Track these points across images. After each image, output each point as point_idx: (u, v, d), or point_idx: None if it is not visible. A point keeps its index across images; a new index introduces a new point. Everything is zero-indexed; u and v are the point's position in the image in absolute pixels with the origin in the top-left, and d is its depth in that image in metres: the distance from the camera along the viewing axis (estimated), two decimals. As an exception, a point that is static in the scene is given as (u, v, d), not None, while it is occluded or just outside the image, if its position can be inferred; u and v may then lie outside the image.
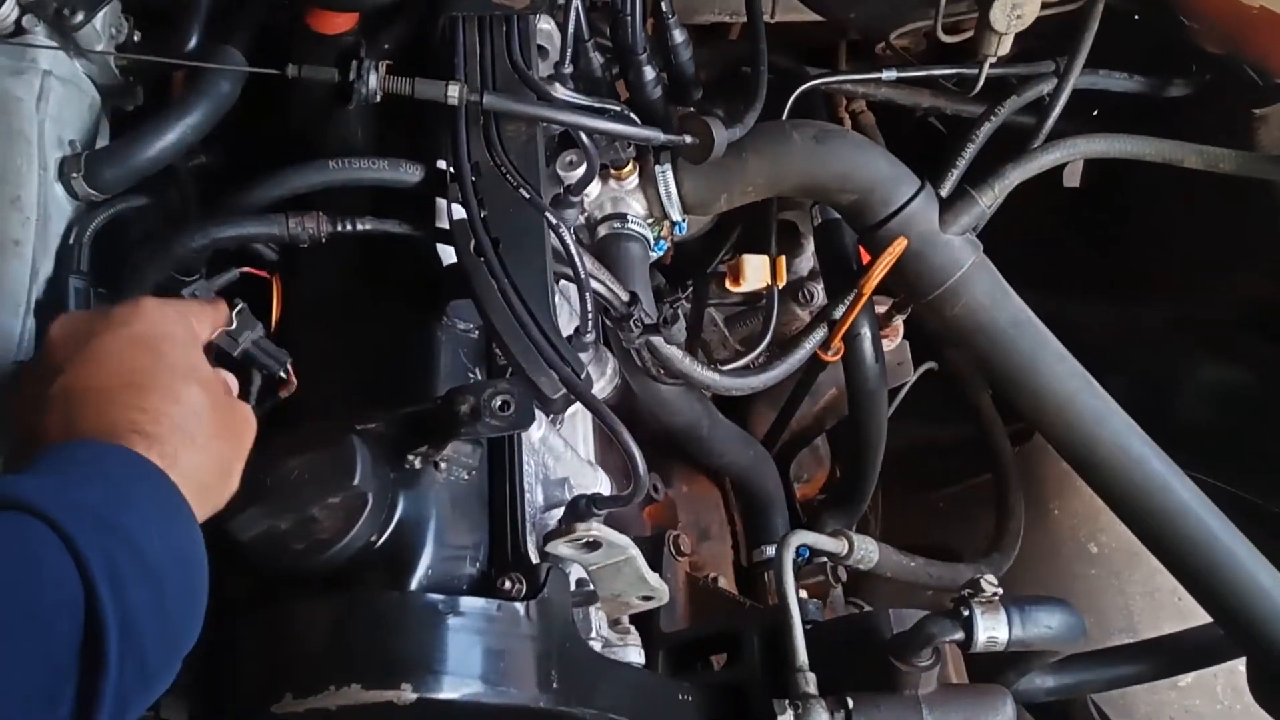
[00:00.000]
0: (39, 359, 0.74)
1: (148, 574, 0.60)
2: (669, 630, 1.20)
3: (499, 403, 0.86)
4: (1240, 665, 1.28)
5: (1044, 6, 1.32)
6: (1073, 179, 2.30)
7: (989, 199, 1.20)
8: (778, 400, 1.57)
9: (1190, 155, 1.22)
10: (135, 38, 1.08)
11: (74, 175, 0.95)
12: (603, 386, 1.25)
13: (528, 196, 0.95)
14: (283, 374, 0.91)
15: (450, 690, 0.78)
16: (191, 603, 0.66)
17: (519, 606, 0.85)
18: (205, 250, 0.94)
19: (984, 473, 1.89)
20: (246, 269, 1.02)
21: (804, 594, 1.28)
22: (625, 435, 0.88)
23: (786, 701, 0.98)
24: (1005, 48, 1.25)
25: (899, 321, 1.53)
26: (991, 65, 1.35)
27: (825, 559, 1.38)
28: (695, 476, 1.47)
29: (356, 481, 0.82)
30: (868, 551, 1.23)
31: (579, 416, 1.25)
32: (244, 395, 0.88)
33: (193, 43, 1.06)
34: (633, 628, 1.11)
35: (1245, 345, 1.64)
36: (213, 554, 0.75)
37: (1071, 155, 1.24)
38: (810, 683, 1.00)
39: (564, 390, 0.89)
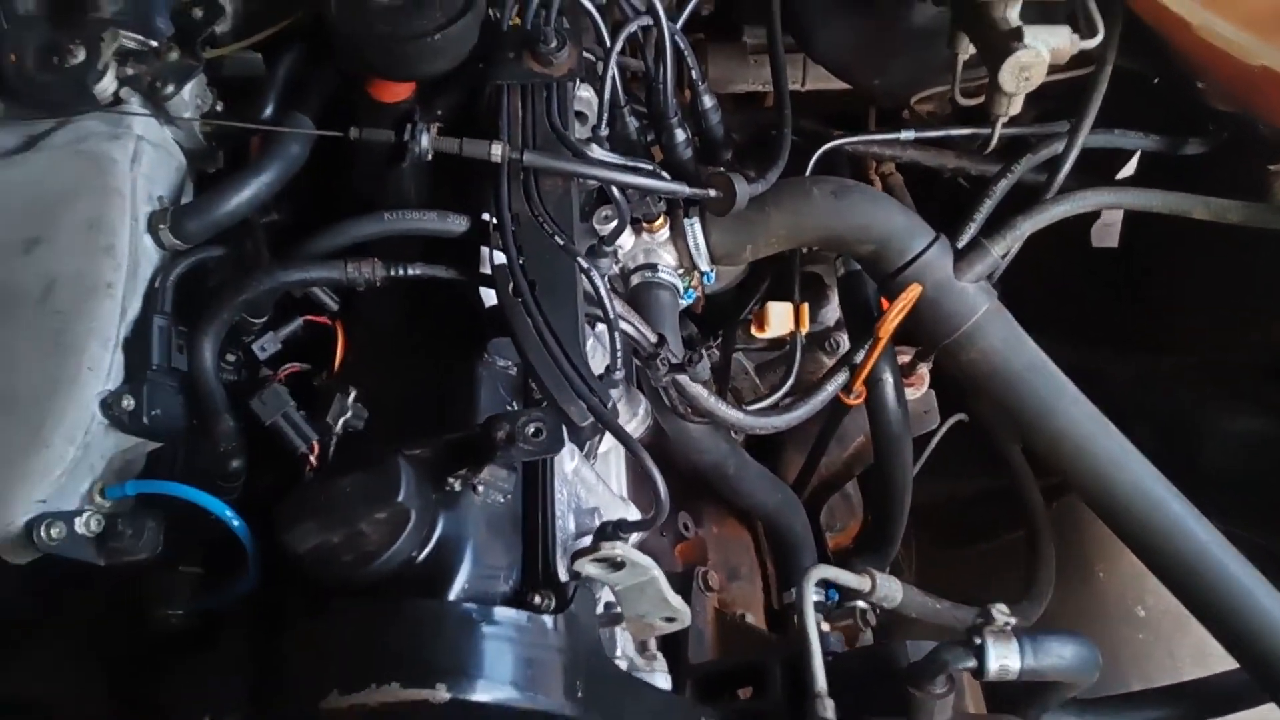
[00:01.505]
0: None
1: None
2: (697, 662, 1.26)
3: (532, 429, 0.94)
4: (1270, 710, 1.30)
5: (1057, 71, 1.40)
6: (1106, 240, 2.36)
7: (1001, 249, 1.27)
8: (806, 447, 1.63)
9: (1197, 207, 1.28)
10: (218, 107, 1.20)
11: (161, 227, 1.06)
12: (635, 426, 1.32)
13: (562, 244, 1.05)
14: (304, 449, 0.99)
15: (481, 693, 0.85)
16: None
17: (547, 619, 0.92)
18: (274, 293, 1.05)
19: (1018, 529, 1.92)
20: (310, 317, 1.13)
21: (827, 627, 1.34)
22: (646, 458, 0.95)
23: (805, 725, 1.03)
24: (1016, 108, 1.32)
25: (924, 370, 1.59)
26: (1006, 125, 1.43)
27: (856, 603, 1.44)
28: (726, 519, 1.53)
29: (401, 498, 0.90)
30: (890, 590, 1.28)
31: (612, 455, 1.32)
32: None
33: (268, 111, 1.18)
34: (660, 655, 1.18)
35: (1269, 394, 1.67)
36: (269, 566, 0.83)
37: (1080, 208, 1.30)
38: (829, 709, 1.05)
39: (591, 419, 0.97)
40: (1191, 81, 1.46)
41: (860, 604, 1.43)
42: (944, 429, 1.83)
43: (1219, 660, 2.40)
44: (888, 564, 1.61)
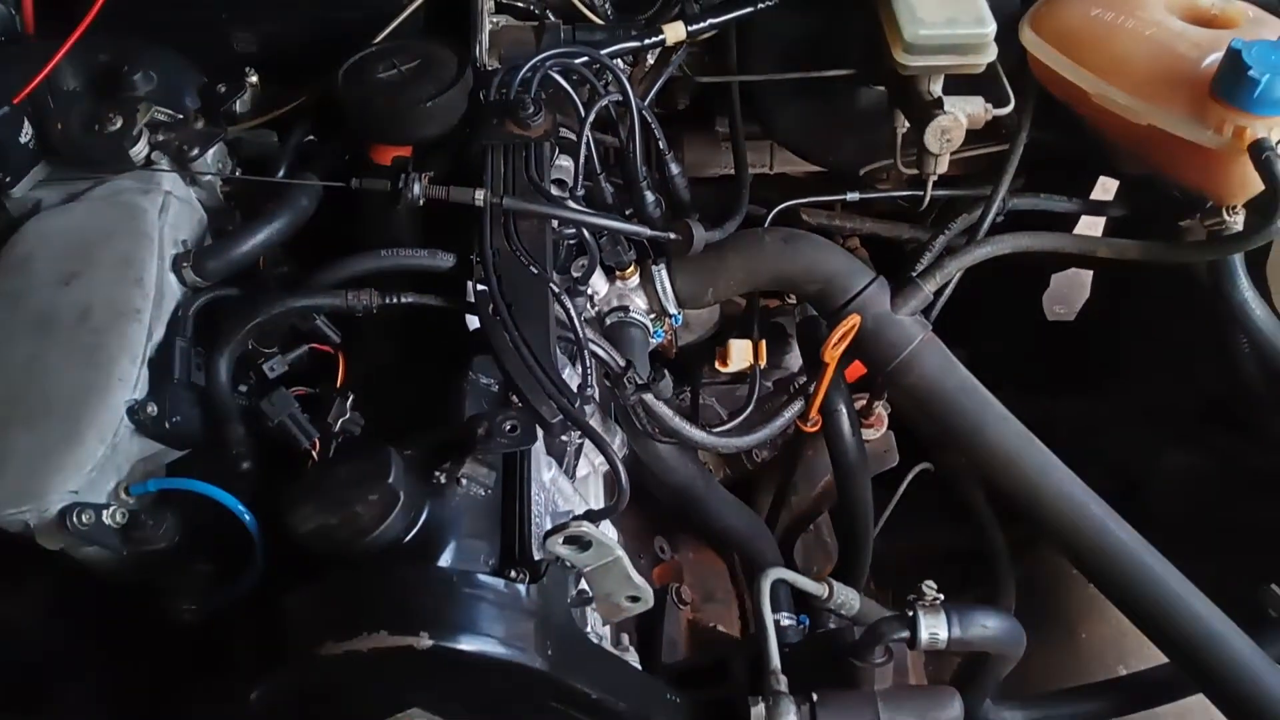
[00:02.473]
0: None
1: None
2: (668, 663, 1.35)
3: (509, 425, 1.08)
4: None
5: (981, 144, 1.58)
6: (1068, 309, 2.52)
7: (932, 285, 1.42)
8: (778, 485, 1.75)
9: (1101, 247, 1.44)
10: (237, 172, 1.37)
11: (185, 265, 1.21)
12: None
13: (536, 272, 1.20)
14: (307, 445, 1.13)
15: (460, 642, 0.96)
16: None
17: (521, 587, 1.03)
18: (283, 318, 1.19)
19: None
20: (314, 345, 1.27)
21: (784, 620, 1.44)
22: (609, 449, 1.08)
23: (760, 697, 1.13)
24: (942, 167, 1.48)
25: (881, 411, 1.72)
26: (945, 190, 1.60)
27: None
28: (703, 548, 1.64)
29: (391, 480, 1.02)
30: (848, 597, 1.38)
31: (590, 480, 1.45)
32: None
33: (280, 174, 1.35)
34: (632, 649, 1.28)
35: (1205, 434, 1.79)
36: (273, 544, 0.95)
37: (1000, 250, 1.45)
38: (782, 683, 1.15)
39: (560, 416, 1.10)
40: (1102, 150, 1.64)
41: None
42: (909, 478, 1.95)
43: (1199, 721, 2.44)
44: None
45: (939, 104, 1.43)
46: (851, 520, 1.62)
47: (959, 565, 2.34)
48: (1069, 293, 2.54)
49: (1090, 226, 1.91)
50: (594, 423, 1.32)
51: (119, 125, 1.25)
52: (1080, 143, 1.65)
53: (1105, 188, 1.91)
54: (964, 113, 1.42)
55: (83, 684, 1.32)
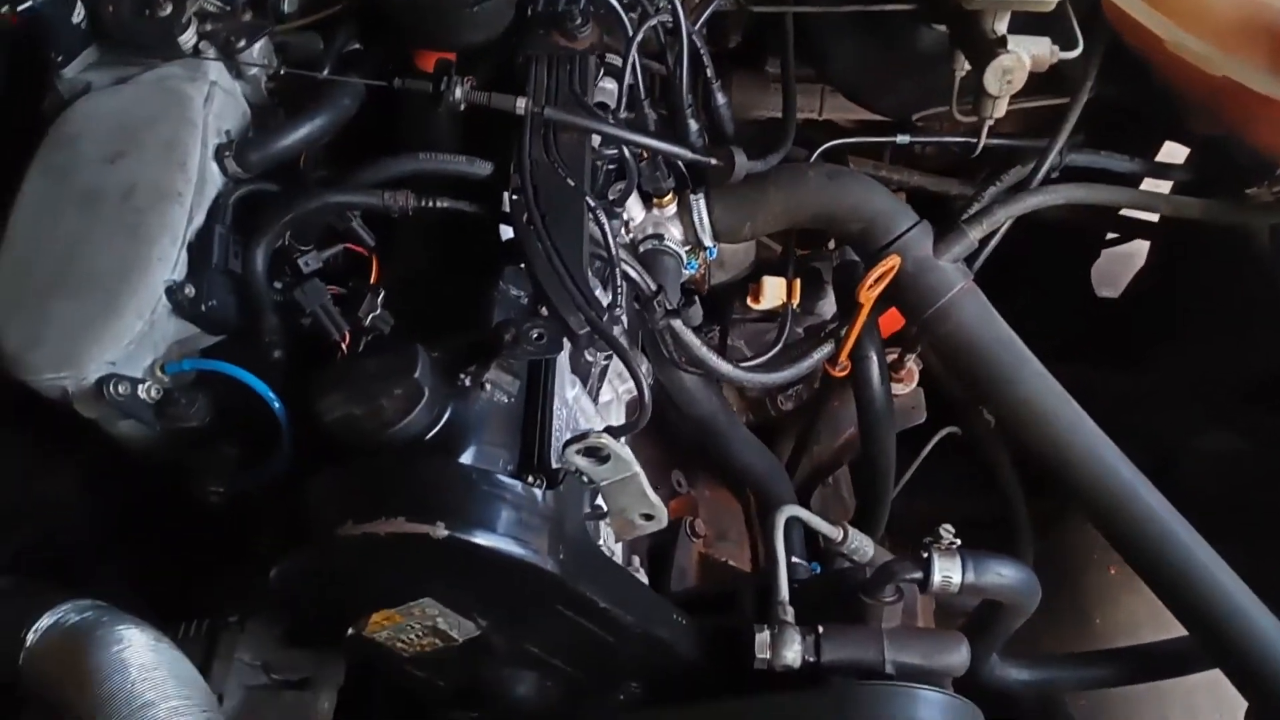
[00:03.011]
0: None
1: None
2: (676, 590, 1.36)
3: (535, 333, 1.08)
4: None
5: (1042, 96, 1.54)
6: (1114, 290, 2.48)
7: (978, 232, 1.39)
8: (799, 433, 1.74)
9: (1161, 204, 1.40)
10: (281, 70, 1.37)
11: (226, 155, 1.22)
12: (634, 386, 1.45)
13: (572, 184, 1.19)
14: (337, 336, 1.14)
15: (475, 535, 0.97)
16: None
17: (538, 491, 1.04)
18: (320, 213, 1.20)
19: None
20: (349, 245, 1.28)
21: (795, 560, 1.44)
22: (633, 361, 1.08)
23: (766, 626, 1.13)
24: (1000, 110, 1.44)
25: (912, 365, 1.70)
26: (999, 138, 1.56)
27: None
28: (720, 486, 1.64)
29: (417, 375, 1.03)
30: (862, 544, 1.36)
31: (613, 405, 1.45)
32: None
33: (321, 75, 1.35)
34: (642, 570, 1.28)
35: (1246, 416, 1.76)
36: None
37: (1052, 200, 1.42)
38: (788, 614, 1.15)
39: (588, 329, 1.10)
40: (1173, 107, 1.59)
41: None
42: (935, 441, 1.93)
43: (1208, 713, 2.44)
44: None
45: (1002, 43, 1.39)
46: (872, 471, 1.61)
47: (977, 533, 2.34)
48: (1118, 273, 2.49)
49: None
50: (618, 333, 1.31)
51: (169, 11, 1.25)
52: (1147, 99, 1.60)
53: (1170, 156, 1.87)
54: (1028, 53, 1.38)
55: (112, 562, 1.36)
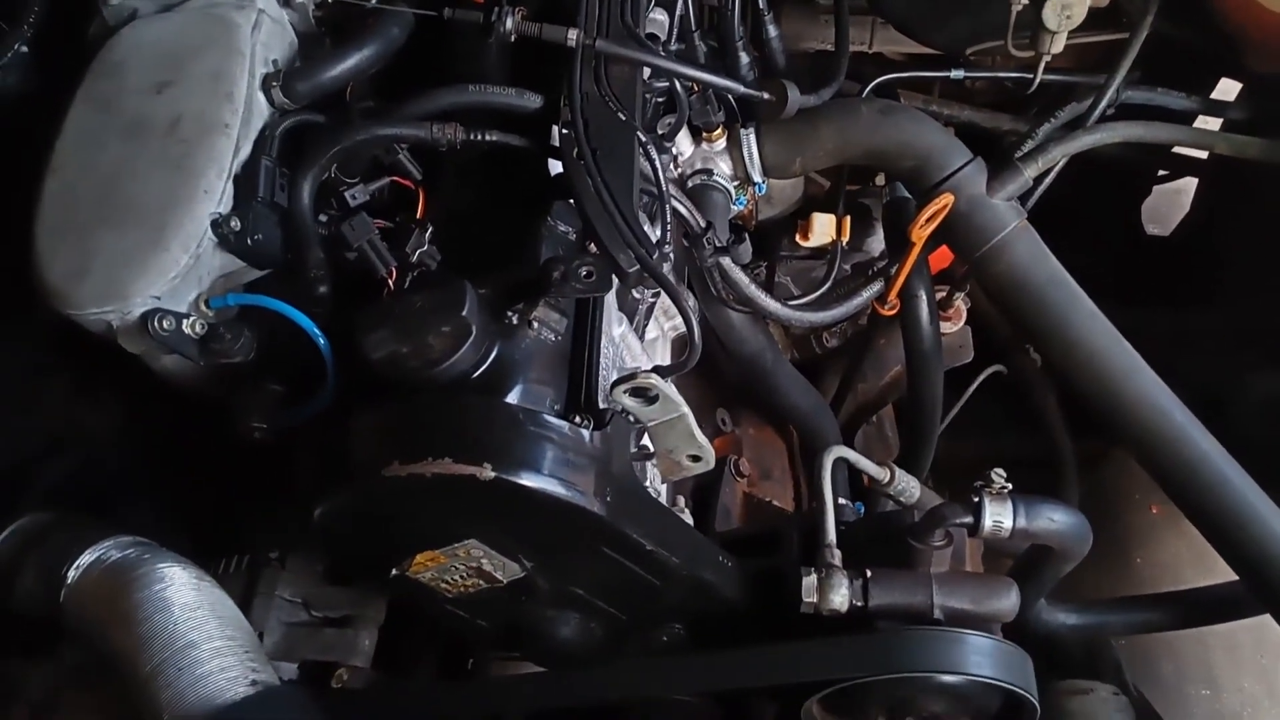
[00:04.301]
0: None
1: None
2: (721, 531, 1.36)
3: (584, 271, 1.06)
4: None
5: (1099, 31, 1.48)
6: (1162, 228, 2.41)
7: (1033, 170, 1.35)
8: (845, 371, 1.72)
9: (1220, 142, 1.36)
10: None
11: (274, 85, 1.20)
12: (679, 323, 1.44)
13: (624, 119, 1.16)
14: (384, 272, 1.12)
15: (522, 477, 0.96)
16: None
17: (585, 432, 1.03)
18: (367, 145, 1.18)
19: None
20: (395, 178, 1.26)
21: (844, 502, 1.43)
22: (682, 299, 1.06)
23: (813, 569, 1.13)
24: (1059, 46, 1.40)
25: (960, 303, 1.67)
26: (1055, 74, 1.51)
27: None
28: (764, 426, 1.63)
29: (464, 312, 1.02)
30: (909, 485, 1.36)
31: (658, 343, 1.44)
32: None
33: (371, 3, 1.32)
34: (687, 511, 1.28)
35: (1303, 358, 1.71)
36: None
37: (1110, 138, 1.38)
38: (836, 557, 1.14)
39: (637, 266, 1.08)
40: (1232, 45, 1.53)
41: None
42: (981, 379, 1.91)
43: (1249, 650, 2.43)
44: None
45: (1062, -23, 1.34)
46: (919, 410, 1.59)
47: (1020, 473, 2.32)
48: (1166, 211, 2.43)
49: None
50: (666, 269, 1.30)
51: (216, -64, 1.23)
52: (1205, 37, 1.55)
53: (1224, 93, 1.80)
54: (1088, -13, 1.34)
55: (152, 496, 1.37)
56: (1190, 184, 2.27)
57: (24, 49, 1.30)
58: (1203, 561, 2.44)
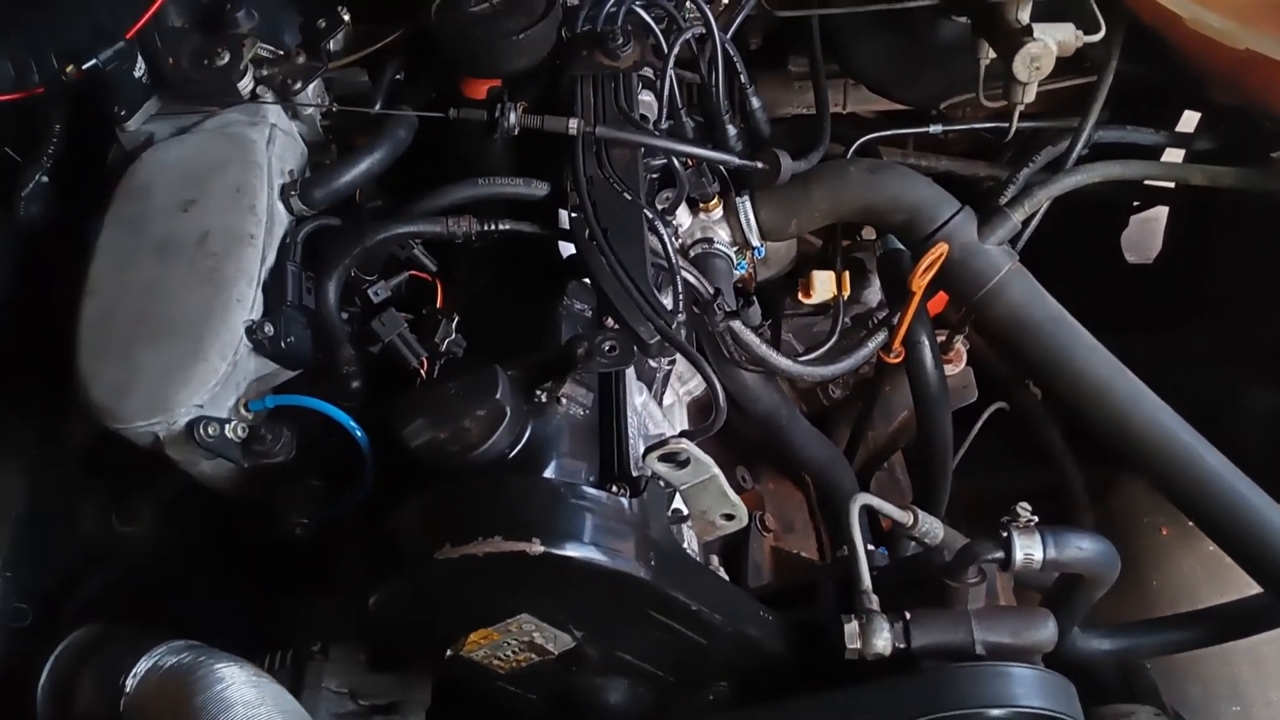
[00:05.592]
0: None
1: None
2: (754, 587, 1.38)
3: (608, 346, 1.11)
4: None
5: (1066, 77, 1.56)
6: (1141, 256, 2.49)
7: (1020, 214, 1.42)
8: (855, 420, 1.76)
9: (1195, 174, 1.42)
10: (334, 108, 1.41)
11: (292, 194, 1.25)
12: (693, 387, 1.49)
13: (630, 199, 1.22)
14: (415, 363, 1.17)
15: (569, 549, 0.99)
16: None
17: (624, 500, 1.07)
18: (386, 244, 1.23)
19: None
20: (413, 272, 1.31)
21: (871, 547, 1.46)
22: (705, 366, 1.10)
23: (852, 615, 1.15)
24: (1030, 96, 1.47)
25: (960, 347, 1.73)
26: (1028, 120, 1.59)
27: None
28: (781, 478, 1.66)
29: (498, 395, 1.06)
30: (932, 526, 1.38)
31: (675, 408, 1.48)
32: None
33: (374, 110, 1.39)
34: (722, 569, 1.31)
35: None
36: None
37: (1091, 178, 1.45)
38: (874, 601, 1.17)
39: (658, 337, 1.13)
40: (1193, 80, 1.61)
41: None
42: (985, 416, 1.96)
43: (1273, 664, 2.45)
44: (940, 522, 1.71)
45: (1028, 31, 1.42)
46: (931, 453, 1.63)
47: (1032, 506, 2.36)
48: (1140, 240, 2.51)
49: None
50: (675, 353, 1.34)
51: (226, 60, 1.29)
52: (1167, 74, 1.62)
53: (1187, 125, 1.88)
54: (1054, 39, 1.41)
55: (192, 599, 1.40)
56: (1161, 211, 2.35)
57: (44, 179, 1.35)
58: (1217, 579, 2.47)
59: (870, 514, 1.80)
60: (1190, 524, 2.55)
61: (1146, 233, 2.51)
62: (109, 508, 1.43)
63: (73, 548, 1.40)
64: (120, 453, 1.39)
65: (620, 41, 1.33)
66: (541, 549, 0.98)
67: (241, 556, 1.40)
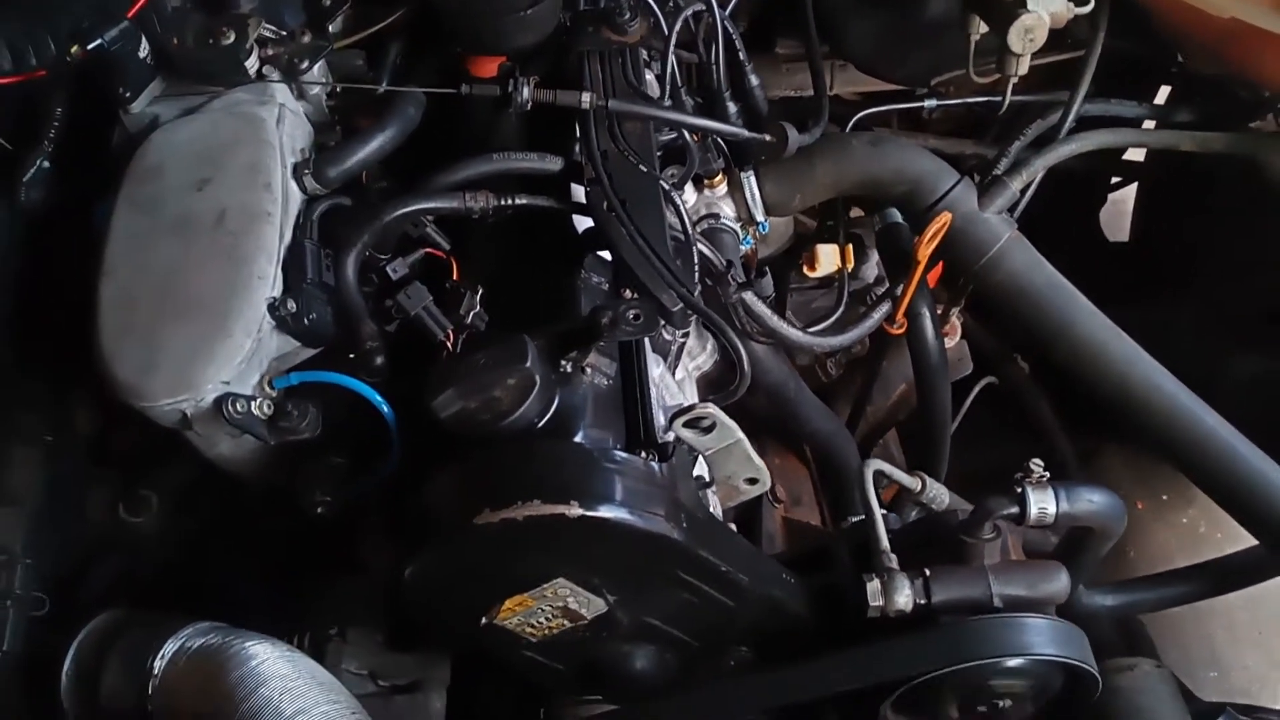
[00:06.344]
0: None
1: None
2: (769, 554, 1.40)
3: (632, 314, 1.12)
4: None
5: (1055, 52, 1.60)
6: (1118, 234, 2.54)
7: (1019, 183, 1.45)
8: (853, 396, 1.79)
9: (1185, 140, 1.46)
10: (338, 89, 1.41)
11: (305, 173, 1.25)
12: (705, 359, 1.50)
13: (645, 170, 1.23)
14: (442, 336, 1.18)
15: (605, 511, 1.01)
16: None
17: (654, 465, 1.08)
18: (403, 220, 1.23)
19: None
20: (428, 250, 1.31)
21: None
22: (729, 330, 1.12)
23: (873, 575, 1.18)
24: (1023, 68, 1.50)
25: (956, 320, 1.76)
26: (1019, 93, 1.62)
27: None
28: (787, 453, 1.69)
29: (528, 364, 1.07)
30: (939, 493, 1.41)
31: (686, 383, 1.49)
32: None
33: (383, 88, 1.39)
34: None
35: (1273, 336, 1.82)
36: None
37: (1085, 146, 1.48)
38: (893, 560, 1.19)
39: (680, 305, 1.14)
40: (1176, 52, 1.66)
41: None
42: (977, 390, 2.00)
43: (1246, 629, 2.51)
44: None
45: (1021, 3, 1.45)
46: (931, 421, 1.66)
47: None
48: (1110, 221, 2.56)
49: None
50: (690, 326, 1.36)
51: (232, 39, 1.28)
52: (1148, 46, 1.67)
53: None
54: (1047, 11, 1.44)
55: (208, 585, 1.39)
56: (1128, 193, 2.41)
57: (46, 164, 1.33)
58: (1191, 549, 2.53)
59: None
60: (1164, 497, 2.63)
61: (1115, 213, 2.57)
62: (118, 497, 1.42)
63: (85, 536, 1.39)
64: (128, 441, 1.40)
65: (627, 17, 1.35)
66: (580, 511, 1.00)
67: (253, 542, 1.39)
